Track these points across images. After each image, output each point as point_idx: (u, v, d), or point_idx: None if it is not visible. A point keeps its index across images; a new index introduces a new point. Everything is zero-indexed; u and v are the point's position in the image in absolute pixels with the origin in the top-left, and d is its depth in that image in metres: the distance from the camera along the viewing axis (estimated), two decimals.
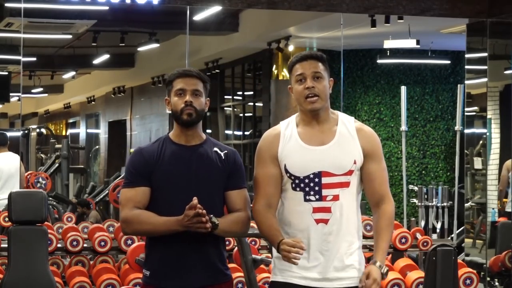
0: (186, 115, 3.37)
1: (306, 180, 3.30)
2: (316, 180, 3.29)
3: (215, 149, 3.44)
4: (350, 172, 3.32)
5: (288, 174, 3.32)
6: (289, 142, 3.35)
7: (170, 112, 3.43)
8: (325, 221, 3.29)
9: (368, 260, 3.55)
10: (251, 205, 3.40)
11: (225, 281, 3.43)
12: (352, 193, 3.34)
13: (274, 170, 3.35)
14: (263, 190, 3.36)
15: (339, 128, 3.36)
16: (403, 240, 6.31)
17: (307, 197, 3.30)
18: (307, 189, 3.30)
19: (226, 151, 3.44)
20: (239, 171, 3.45)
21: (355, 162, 3.32)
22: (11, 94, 8.83)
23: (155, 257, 3.39)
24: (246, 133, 11.86)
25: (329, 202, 3.29)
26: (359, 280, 3.31)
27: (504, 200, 8.29)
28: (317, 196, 3.29)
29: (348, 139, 3.34)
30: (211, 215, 3.28)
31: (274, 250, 3.37)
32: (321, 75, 3.33)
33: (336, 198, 3.30)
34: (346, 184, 3.31)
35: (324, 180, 3.29)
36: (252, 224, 3.52)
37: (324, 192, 3.29)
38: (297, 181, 3.31)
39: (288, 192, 3.35)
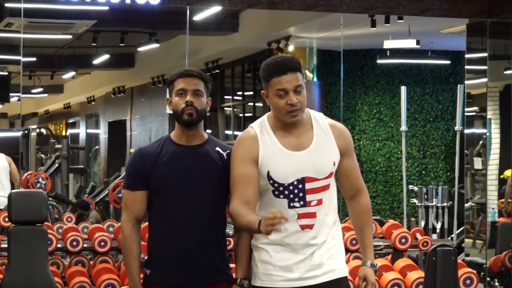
0: (187, 115, 3.37)
1: (290, 187, 3.27)
2: (300, 186, 3.27)
3: (217, 148, 3.44)
4: (330, 175, 3.33)
5: (271, 181, 3.28)
6: (269, 148, 3.28)
7: (171, 112, 3.44)
8: (310, 226, 3.28)
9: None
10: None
11: (226, 281, 3.43)
12: (332, 194, 3.35)
13: (253, 169, 3.27)
14: (240, 190, 3.26)
15: (315, 130, 3.33)
16: (403, 240, 6.30)
17: (292, 204, 3.27)
18: (291, 196, 3.27)
19: (228, 151, 3.44)
20: None
21: (334, 164, 3.33)
22: (11, 94, 8.84)
23: (155, 256, 3.40)
24: None
25: (313, 207, 3.28)
26: (342, 270, 3.33)
27: (510, 200, 8.28)
28: (301, 202, 3.27)
29: (325, 141, 3.32)
30: (244, 281, 3.37)
31: (256, 254, 3.35)
32: (301, 88, 3.27)
33: (320, 202, 3.29)
34: (327, 187, 3.32)
35: (308, 185, 3.28)
36: None
37: (308, 197, 3.28)
38: (280, 188, 3.28)
39: (270, 199, 3.30)
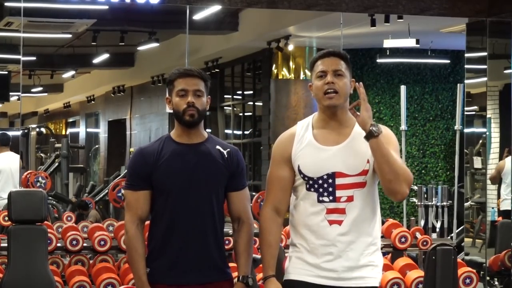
0: (188, 116, 3.38)
1: (320, 181, 3.26)
2: (330, 181, 3.25)
3: (218, 147, 3.45)
4: (364, 172, 3.26)
5: (301, 175, 3.29)
6: (303, 143, 3.31)
7: (171, 111, 3.44)
8: (339, 222, 3.24)
9: None
10: (261, 204, 3.45)
11: (225, 279, 3.44)
12: (368, 193, 3.28)
13: (285, 172, 3.33)
14: (272, 194, 3.35)
15: (355, 129, 3.30)
16: (403, 240, 6.31)
17: (321, 198, 3.25)
18: (320, 190, 3.26)
19: (228, 149, 3.45)
20: (242, 171, 3.48)
21: (368, 161, 3.26)
22: (10, 93, 8.82)
23: (155, 254, 3.40)
24: (246, 132, 11.86)
25: (343, 203, 3.24)
26: (372, 280, 3.28)
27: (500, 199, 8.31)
28: (330, 197, 3.25)
29: (362, 139, 3.24)
30: (249, 277, 3.40)
31: (290, 250, 3.36)
32: (342, 73, 3.29)
33: (350, 199, 3.25)
34: (361, 185, 3.26)
35: (338, 181, 3.24)
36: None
37: (338, 193, 3.24)
38: (311, 182, 3.27)
39: (302, 192, 3.30)
